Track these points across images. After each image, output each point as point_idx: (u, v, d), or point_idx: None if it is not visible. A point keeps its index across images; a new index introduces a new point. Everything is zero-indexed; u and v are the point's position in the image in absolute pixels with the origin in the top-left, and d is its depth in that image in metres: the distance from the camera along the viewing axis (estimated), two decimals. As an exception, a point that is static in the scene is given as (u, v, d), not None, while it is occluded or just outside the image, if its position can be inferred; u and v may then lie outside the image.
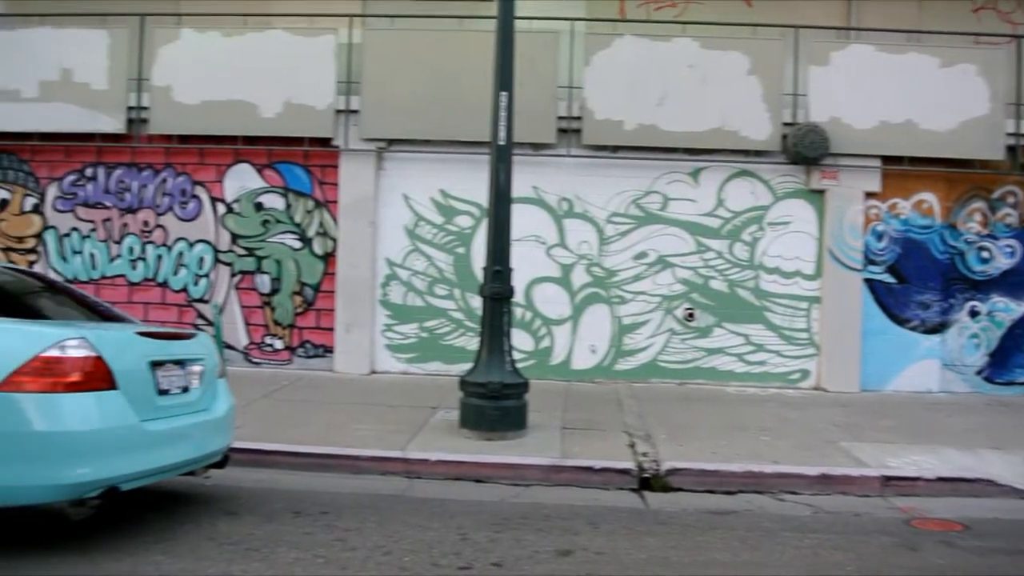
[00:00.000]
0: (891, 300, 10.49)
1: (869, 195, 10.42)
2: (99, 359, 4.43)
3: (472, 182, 10.34)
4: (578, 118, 10.32)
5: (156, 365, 4.87)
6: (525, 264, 9.99)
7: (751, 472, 6.61)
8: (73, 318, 5.44)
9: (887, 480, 6.56)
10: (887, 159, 10.31)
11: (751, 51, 10.20)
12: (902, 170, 10.32)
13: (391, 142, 10.54)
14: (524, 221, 9.92)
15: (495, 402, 7.24)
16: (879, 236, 10.49)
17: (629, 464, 6.69)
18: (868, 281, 10.45)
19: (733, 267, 10.50)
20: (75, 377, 4.33)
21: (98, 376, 4.41)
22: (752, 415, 8.72)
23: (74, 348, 4.37)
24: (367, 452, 6.81)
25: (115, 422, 4.44)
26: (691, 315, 10.51)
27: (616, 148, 10.40)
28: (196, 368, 5.25)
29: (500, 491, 6.28)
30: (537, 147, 10.32)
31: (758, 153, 10.33)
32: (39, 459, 4.22)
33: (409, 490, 6.24)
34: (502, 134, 7.45)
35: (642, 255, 10.52)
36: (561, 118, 10.31)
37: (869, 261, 10.46)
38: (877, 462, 6.88)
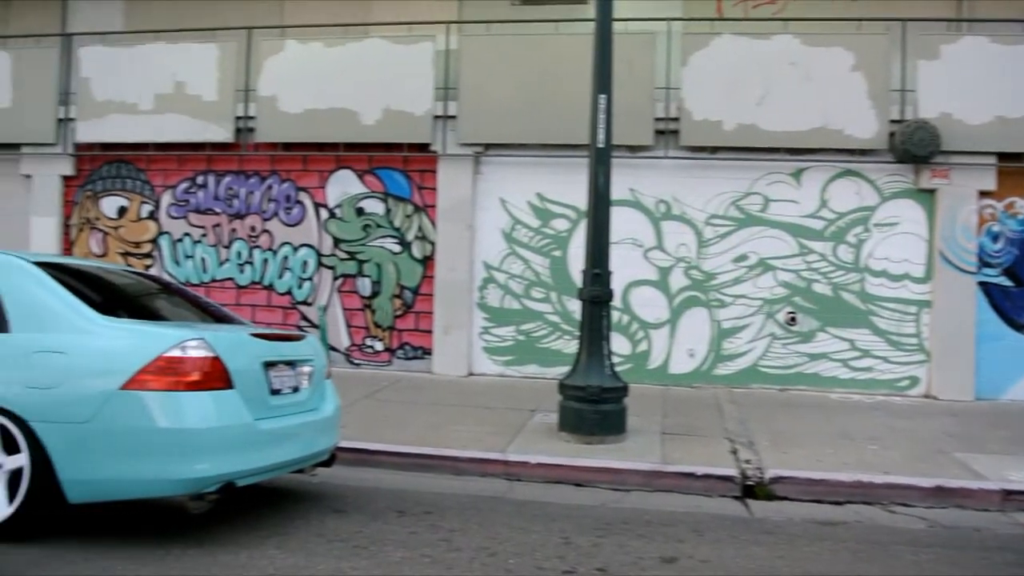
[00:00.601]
0: (1008, 304, 9.99)
1: (983, 194, 9.94)
2: (217, 359, 4.60)
3: (568, 185, 10.33)
4: (676, 119, 10.19)
5: (269, 366, 5.02)
6: (622, 267, 9.90)
7: (860, 482, 6.39)
8: (188, 319, 5.67)
9: (1008, 494, 6.24)
10: (1003, 156, 9.81)
11: (855, 47, 9.88)
12: (1019, 167, 9.82)
13: (488, 146, 10.63)
14: (621, 223, 9.84)
15: (594, 406, 7.20)
16: (994, 237, 10.00)
17: (732, 471, 6.56)
18: (983, 284, 9.97)
19: (837, 270, 10.18)
20: (195, 376, 4.51)
21: (216, 376, 4.58)
22: (858, 423, 8.43)
23: (194, 349, 4.54)
24: (467, 453, 6.87)
25: (232, 420, 4.60)
26: (793, 319, 10.24)
27: (715, 149, 10.22)
28: (306, 369, 5.39)
29: (600, 495, 6.24)
30: (634, 149, 10.24)
31: (863, 152, 9.99)
32: (162, 454, 4.40)
33: (509, 492, 6.27)
34: (601, 136, 7.41)
35: (742, 258, 10.30)
36: (658, 119, 10.20)
37: (984, 263, 9.98)
38: (996, 475, 6.55)
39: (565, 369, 9.94)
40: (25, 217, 11.73)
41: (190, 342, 4.56)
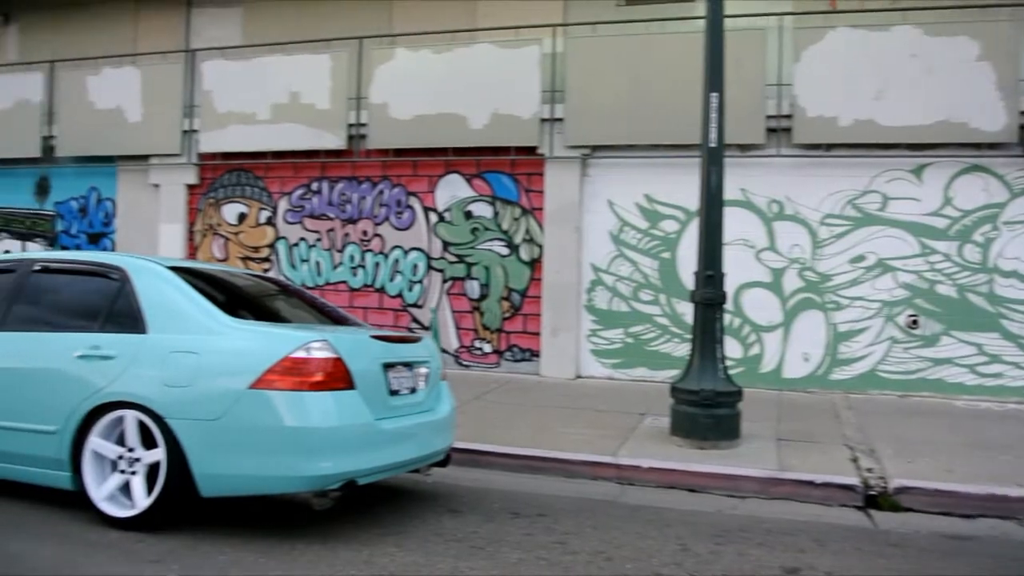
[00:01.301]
0: None
1: None
2: (339, 360, 4.73)
3: (677, 186, 10.20)
4: (788, 116, 9.91)
5: (388, 367, 5.13)
6: (733, 269, 9.63)
7: (994, 495, 6.05)
8: (307, 320, 5.84)
9: None
10: None
11: (981, 35, 9.39)
12: None
13: (595, 148, 10.59)
14: (732, 224, 9.56)
15: (707, 410, 7.07)
16: None
17: (853, 480, 6.32)
18: (1126, 285, 9.32)
19: (963, 270, 9.69)
20: (319, 377, 4.64)
21: (339, 376, 4.70)
22: (988, 432, 7.99)
23: (318, 350, 4.68)
24: (578, 456, 6.85)
25: (353, 420, 4.71)
26: (915, 322, 9.80)
27: (830, 146, 9.90)
28: (423, 370, 5.48)
29: (715, 502, 6.12)
30: (745, 148, 10.01)
31: (991, 146, 9.49)
32: (288, 452, 4.55)
33: (622, 496, 6.21)
34: (713, 136, 7.27)
35: (859, 258, 9.93)
36: (770, 117, 9.94)
37: None
38: None
39: (674, 372, 9.85)
40: (154, 224, 12.36)
41: (314, 343, 4.70)
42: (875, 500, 6.15)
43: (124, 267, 5.31)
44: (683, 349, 10.20)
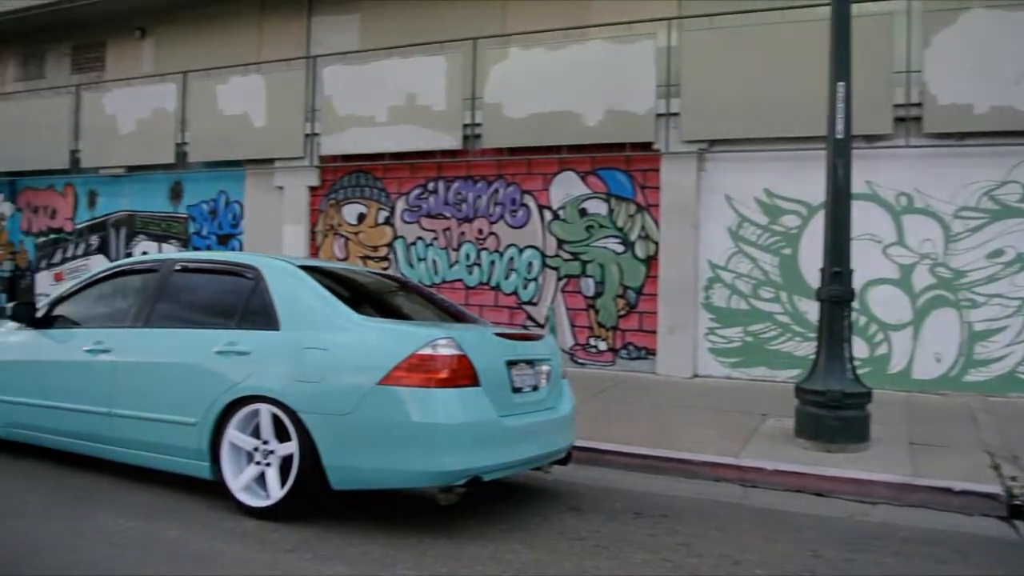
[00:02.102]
0: None
1: None
2: (464, 357, 4.78)
3: (799, 180, 9.88)
4: (917, 104, 9.45)
5: (511, 364, 5.15)
6: (859, 265, 9.19)
7: None
8: (429, 318, 5.93)
9: None
10: None
11: None
12: None
13: (712, 143, 10.37)
14: (857, 219, 9.17)
15: (835, 412, 6.81)
16: None
17: (995, 488, 5.96)
18: None
19: (1115, 265, 9.03)
20: (445, 374, 4.70)
21: (464, 373, 4.76)
22: None
23: (444, 347, 4.74)
24: (700, 456, 6.72)
25: (479, 417, 4.76)
26: (1060, 320, 9.19)
27: (963, 135, 9.38)
28: (544, 368, 5.49)
29: (844, 507, 5.89)
30: (871, 139, 9.60)
31: None
32: (416, 447, 4.63)
33: (746, 498, 6.06)
34: (839, 127, 7.00)
35: (997, 253, 9.37)
36: (897, 106, 9.50)
37: None
38: None
39: (795, 372, 9.56)
40: (278, 225, 12.83)
41: (440, 341, 4.76)
42: (1020, 510, 5.80)
43: (258, 266, 5.52)
44: (805, 348, 9.89)
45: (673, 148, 10.46)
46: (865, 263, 9.60)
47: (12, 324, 6.43)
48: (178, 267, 5.96)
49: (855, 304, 9.47)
